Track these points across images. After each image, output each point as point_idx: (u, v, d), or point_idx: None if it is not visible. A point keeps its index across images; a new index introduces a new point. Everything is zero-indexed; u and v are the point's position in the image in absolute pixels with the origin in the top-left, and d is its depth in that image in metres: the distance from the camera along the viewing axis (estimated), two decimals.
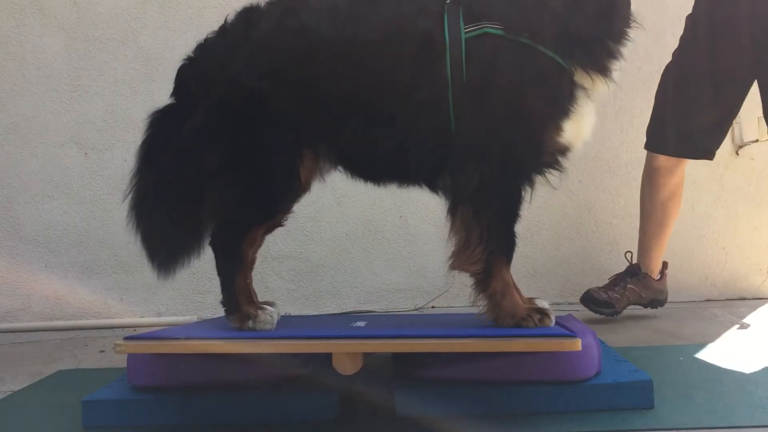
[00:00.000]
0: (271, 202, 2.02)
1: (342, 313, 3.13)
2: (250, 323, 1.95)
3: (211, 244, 2.04)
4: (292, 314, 3.14)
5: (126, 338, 1.87)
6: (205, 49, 2.05)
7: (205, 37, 2.05)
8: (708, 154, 2.96)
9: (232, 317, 1.98)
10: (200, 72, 2.01)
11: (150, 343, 1.84)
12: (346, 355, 1.77)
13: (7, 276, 3.44)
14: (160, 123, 2.08)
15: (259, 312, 1.97)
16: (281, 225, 2.18)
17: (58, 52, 3.47)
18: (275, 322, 1.99)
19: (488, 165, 1.90)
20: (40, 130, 3.47)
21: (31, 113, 3.47)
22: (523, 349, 1.77)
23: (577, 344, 1.72)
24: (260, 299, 2.33)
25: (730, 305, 3.33)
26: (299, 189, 2.03)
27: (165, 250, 2.09)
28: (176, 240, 2.09)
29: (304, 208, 3.44)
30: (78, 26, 3.47)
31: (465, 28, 1.90)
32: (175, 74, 2.08)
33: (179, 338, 1.83)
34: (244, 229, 2.01)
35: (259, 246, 2.19)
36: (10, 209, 3.46)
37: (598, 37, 1.93)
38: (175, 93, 2.09)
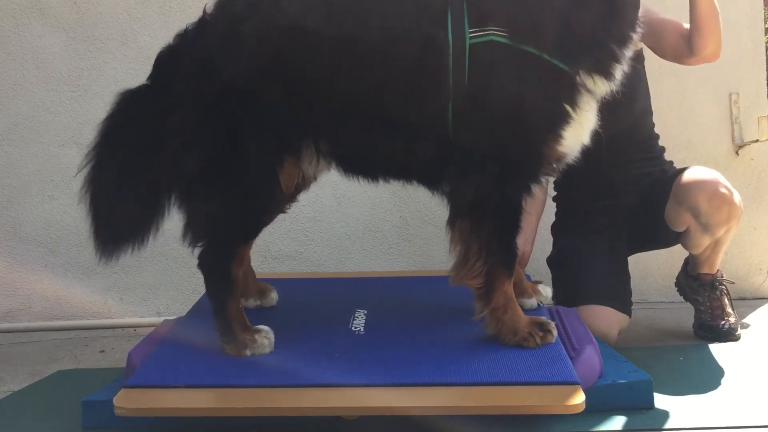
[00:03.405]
0: (254, 216, 1.97)
1: (336, 278, 3.04)
2: (247, 352, 1.90)
3: (199, 266, 1.99)
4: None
5: (126, 387, 1.78)
6: (186, 40, 1.98)
7: (185, 27, 2.01)
8: None
9: (228, 346, 1.92)
10: (181, 66, 1.94)
11: (148, 405, 1.73)
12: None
13: (7, 276, 3.43)
14: (130, 102, 2.02)
15: (256, 336, 1.92)
16: (283, 212, 2.14)
17: (58, 52, 3.46)
18: (272, 343, 1.93)
19: (486, 177, 1.86)
20: (40, 130, 3.46)
21: (31, 113, 3.46)
22: (528, 411, 1.70)
23: (581, 405, 1.64)
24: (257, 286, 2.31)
25: None
26: (282, 200, 1.99)
27: (112, 231, 2.02)
28: (126, 223, 2.03)
29: (304, 208, 3.44)
30: (78, 26, 3.46)
31: (470, 32, 1.83)
32: (154, 60, 2.04)
33: (179, 386, 1.76)
34: (231, 251, 1.96)
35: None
36: (10, 209, 3.46)
37: (606, 42, 1.87)
38: (152, 78, 2.03)
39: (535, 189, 1.98)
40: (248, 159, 1.90)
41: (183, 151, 1.91)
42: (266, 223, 2.04)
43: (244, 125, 1.89)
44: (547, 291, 2.21)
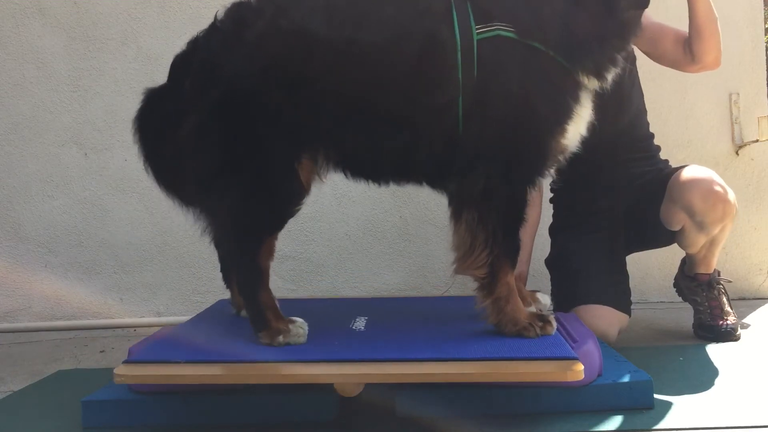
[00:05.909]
0: (278, 209, 1.99)
1: (339, 299, 3.09)
2: (281, 338, 1.89)
3: (228, 259, 2.03)
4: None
5: (125, 362, 1.82)
6: (197, 46, 2.02)
7: (196, 34, 2.04)
8: None
9: (261, 333, 1.92)
10: (193, 71, 1.98)
11: (149, 372, 1.77)
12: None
13: (7, 276, 3.44)
14: (155, 100, 2.10)
15: (290, 326, 1.92)
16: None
17: (58, 52, 3.46)
18: (306, 334, 1.93)
19: (496, 169, 1.90)
20: (40, 130, 3.47)
21: (31, 113, 3.47)
22: (528, 378, 1.73)
23: (580, 373, 1.68)
24: None
25: None
26: (303, 192, 2.01)
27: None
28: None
29: (304, 208, 3.37)
30: (78, 26, 3.47)
31: (476, 29, 1.87)
32: (170, 67, 2.08)
33: (179, 361, 1.78)
34: (258, 242, 1.97)
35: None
36: (10, 209, 3.46)
37: (605, 47, 1.92)
38: (169, 81, 2.09)
39: (534, 195, 2.00)
40: (267, 155, 1.93)
41: (199, 151, 1.95)
42: (290, 215, 2.05)
43: (257, 124, 1.92)
44: (545, 299, 2.22)
